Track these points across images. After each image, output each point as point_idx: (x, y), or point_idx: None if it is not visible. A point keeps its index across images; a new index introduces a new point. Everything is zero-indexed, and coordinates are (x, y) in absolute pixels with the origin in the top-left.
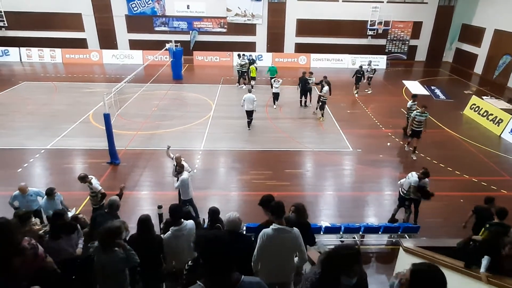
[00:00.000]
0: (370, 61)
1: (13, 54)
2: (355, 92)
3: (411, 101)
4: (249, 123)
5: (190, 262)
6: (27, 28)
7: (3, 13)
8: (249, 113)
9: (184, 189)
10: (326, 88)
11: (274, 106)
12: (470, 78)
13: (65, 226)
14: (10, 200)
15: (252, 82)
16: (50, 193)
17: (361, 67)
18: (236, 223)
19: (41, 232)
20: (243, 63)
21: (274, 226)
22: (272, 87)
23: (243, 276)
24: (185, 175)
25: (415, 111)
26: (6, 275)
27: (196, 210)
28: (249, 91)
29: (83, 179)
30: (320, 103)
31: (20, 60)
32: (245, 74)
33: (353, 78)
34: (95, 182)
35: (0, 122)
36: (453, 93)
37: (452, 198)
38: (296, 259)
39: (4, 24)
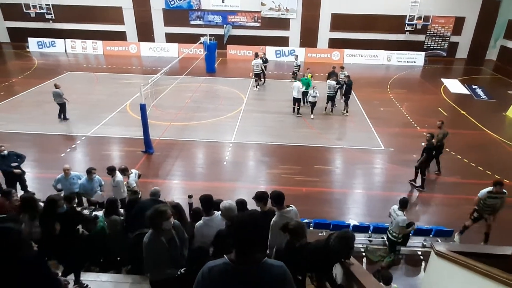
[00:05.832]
0: (297, 55)
1: (59, 45)
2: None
3: None
4: (293, 109)
5: (182, 270)
6: (72, 20)
7: (51, 6)
8: (294, 100)
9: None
10: (328, 82)
11: (312, 116)
12: None
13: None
14: (54, 183)
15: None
16: (89, 171)
17: (341, 80)
18: (233, 210)
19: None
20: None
21: (277, 213)
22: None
23: (266, 257)
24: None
25: (485, 189)
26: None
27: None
28: (298, 80)
29: (123, 171)
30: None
31: (65, 51)
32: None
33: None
34: (132, 178)
35: (47, 110)
36: (496, 93)
37: None
38: None
39: (52, 17)
